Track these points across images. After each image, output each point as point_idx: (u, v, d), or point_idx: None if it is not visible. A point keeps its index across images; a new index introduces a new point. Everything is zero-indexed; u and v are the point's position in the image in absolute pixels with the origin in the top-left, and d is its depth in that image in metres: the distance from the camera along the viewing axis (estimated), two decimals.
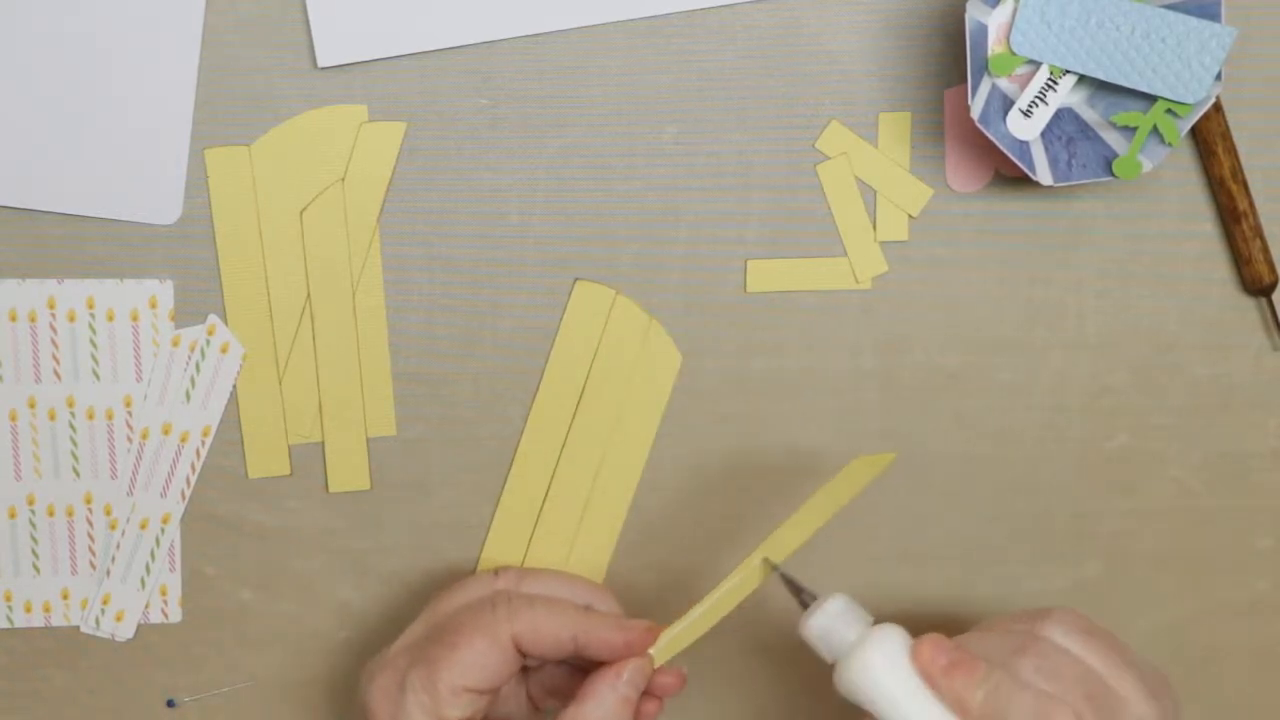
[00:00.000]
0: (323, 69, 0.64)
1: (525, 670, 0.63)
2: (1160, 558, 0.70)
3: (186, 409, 0.66)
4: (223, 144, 0.64)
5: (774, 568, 0.59)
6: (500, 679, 0.59)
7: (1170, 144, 0.62)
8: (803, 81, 0.65)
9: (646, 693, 0.60)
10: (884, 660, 0.55)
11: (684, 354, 0.67)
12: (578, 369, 0.67)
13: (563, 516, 0.67)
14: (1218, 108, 0.65)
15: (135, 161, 0.64)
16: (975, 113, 0.61)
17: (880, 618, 0.57)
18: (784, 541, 0.60)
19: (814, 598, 0.58)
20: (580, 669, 0.62)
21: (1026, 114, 0.62)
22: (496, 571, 0.64)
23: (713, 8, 0.64)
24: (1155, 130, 0.62)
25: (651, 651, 0.60)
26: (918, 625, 0.69)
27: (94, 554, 0.67)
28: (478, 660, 0.59)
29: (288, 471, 0.67)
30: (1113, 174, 0.62)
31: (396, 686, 0.59)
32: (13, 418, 0.66)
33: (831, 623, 0.56)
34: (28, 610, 0.67)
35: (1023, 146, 0.62)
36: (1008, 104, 0.62)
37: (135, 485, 0.66)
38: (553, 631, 0.59)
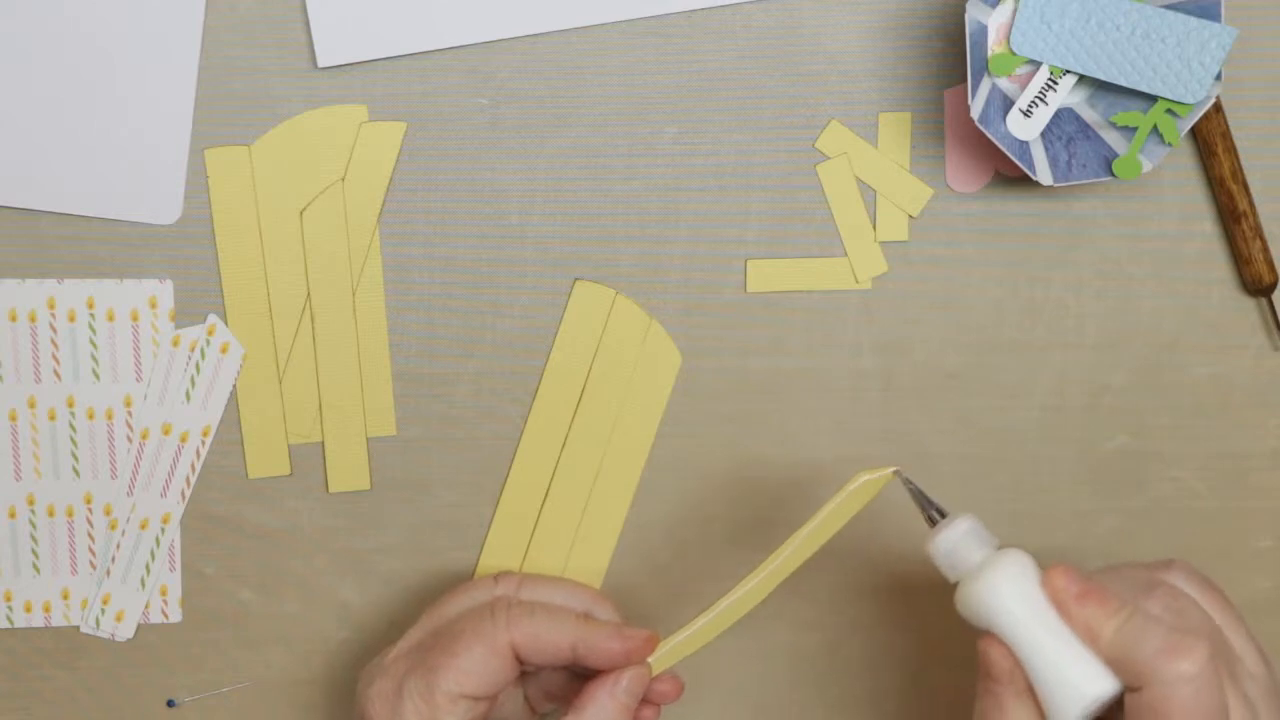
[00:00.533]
0: (323, 69, 0.64)
1: (523, 674, 0.63)
2: (1160, 558, 0.69)
3: (186, 409, 0.66)
4: (223, 144, 0.64)
5: (903, 479, 0.58)
6: (498, 686, 0.59)
7: (1170, 144, 0.62)
8: (803, 81, 0.65)
9: (644, 700, 0.60)
10: (1012, 583, 0.53)
11: (684, 354, 0.67)
12: (577, 369, 0.67)
13: (563, 516, 0.67)
14: (1218, 108, 0.65)
15: (135, 161, 0.64)
16: (975, 113, 0.61)
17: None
18: (789, 561, 0.59)
19: (943, 515, 0.56)
20: (578, 673, 0.62)
21: (1026, 114, 0.62)
22: (496, 577, 0.64)
23: (713, 8, 0.64)
24: (1155, 130, 0.62)
25: (650, 660, 0.60)
26: (919, 625, 0.70)
27: (94, 554, 0.67)
28: (476, 667, 0.59)
29: (288, 471, 0.67)
30: (1113, 174, 0.62)
31: (394, 692, 0.59)
32: (13, 418, 0.66)
33: (960, 540, 0.55)
34: (28, 610, 0.67)
35: (1023, 146, 0.62)
36: (1008, 104, 0.62)
37: (135, 485, 0.66)
38: (552, 640, 0.59)
